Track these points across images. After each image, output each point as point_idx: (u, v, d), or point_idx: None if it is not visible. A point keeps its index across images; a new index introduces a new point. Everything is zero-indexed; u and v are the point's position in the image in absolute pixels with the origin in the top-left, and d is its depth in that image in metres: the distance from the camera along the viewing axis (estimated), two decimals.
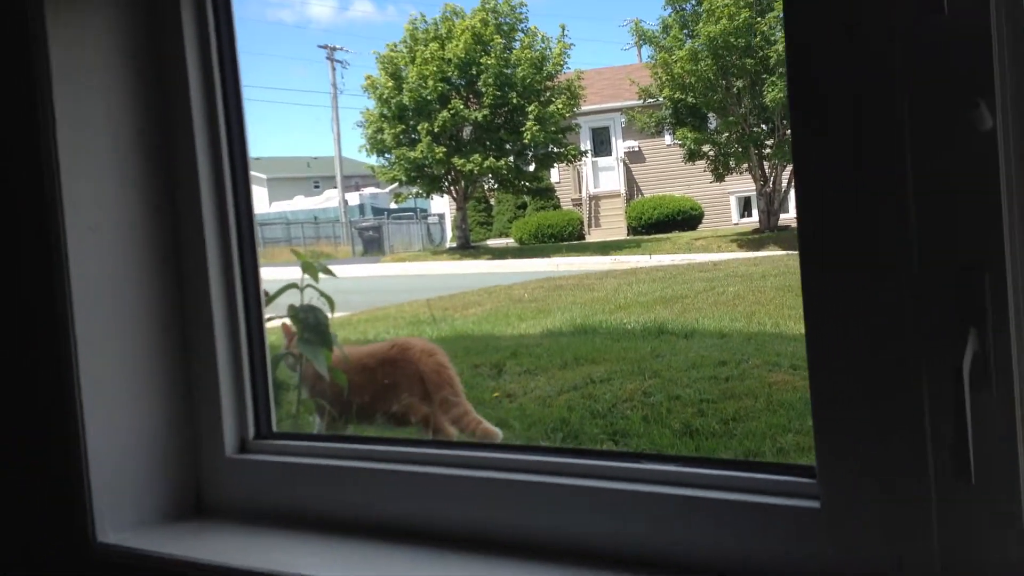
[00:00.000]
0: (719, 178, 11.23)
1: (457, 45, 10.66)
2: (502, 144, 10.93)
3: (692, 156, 11.15)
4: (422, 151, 10.67)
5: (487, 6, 10.94)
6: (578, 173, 12.83)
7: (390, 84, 10.85)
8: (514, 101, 10.75)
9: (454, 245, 12.54)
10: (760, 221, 11.30)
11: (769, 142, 10.66)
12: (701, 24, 10.36)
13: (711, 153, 11.04)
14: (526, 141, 10.83)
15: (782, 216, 10.92)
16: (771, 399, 4.43)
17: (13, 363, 1.71)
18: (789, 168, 10.12)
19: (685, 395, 4.64)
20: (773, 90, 9.82)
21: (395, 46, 11.01)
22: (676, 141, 11.49)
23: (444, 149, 10.69)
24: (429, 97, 10.60)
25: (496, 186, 12.02)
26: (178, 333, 1.69)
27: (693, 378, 4.91)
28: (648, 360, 5.41)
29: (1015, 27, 1.02)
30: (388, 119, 10.90)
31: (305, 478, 1.59)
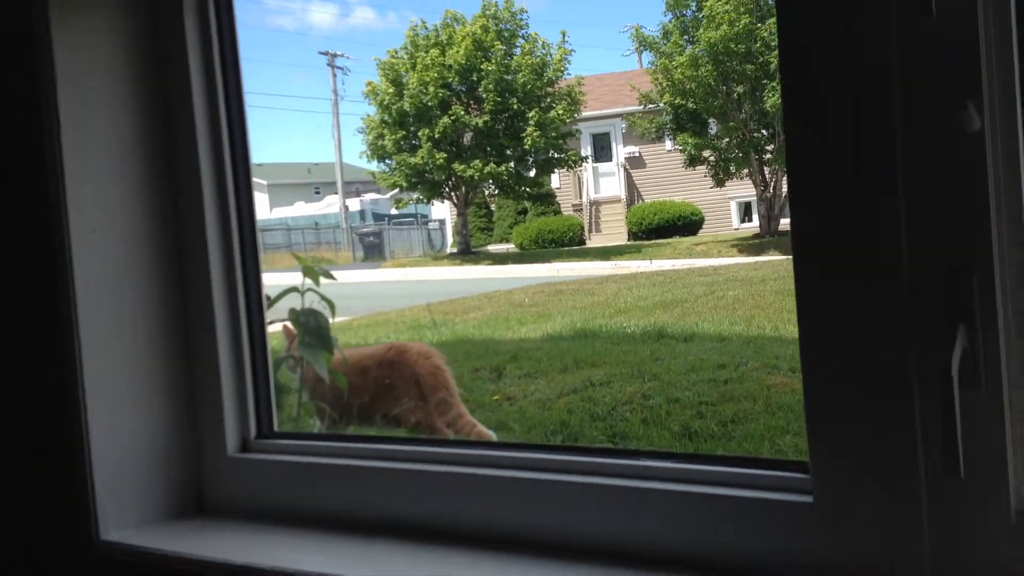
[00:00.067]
0: (719, 183, 11.26)
1: (458, 51, 10.69)
2: (503, 150, 10.96)
3: (692, 161, 11.18)
4: (423, 157, 10.69)
5: (488, 12, 10.98)
6: (579, 178, 12.85)
7: (391, 90, 10.88)
8: (515, 107, 10.78)
9: (455, 250, 12.56)
10: (760, 226, 11.32)
11: (769, 147, 10.69)
12: (701, 30, 10.39)
13: (711, 158, 11.07)
14: (527, 147, 10.85)
15: (782, 221, 10.94)
16: (770, 401, 4.44)
17: (18, 364, 1.72)
18: None
19: (684, 398, 4.65)
20: (773, 95, 9.84)
21: (396, 52, 11.04)
22: (676, 146, 11.51)
23: (445, 155, 10.72)
24: (430, 103, 10.63)
25: (497, 192, 12.05)
26: (180, 334, 1.71)
27: (692, 381, 4.92)
28: (648, 363, 5.42)
29: (1002, 28, 1.03)
30: (389, 125, 10.93)
31: (306, 477, 1.60)
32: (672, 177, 12.31)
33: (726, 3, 10.14)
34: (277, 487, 1.63)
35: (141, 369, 1.66)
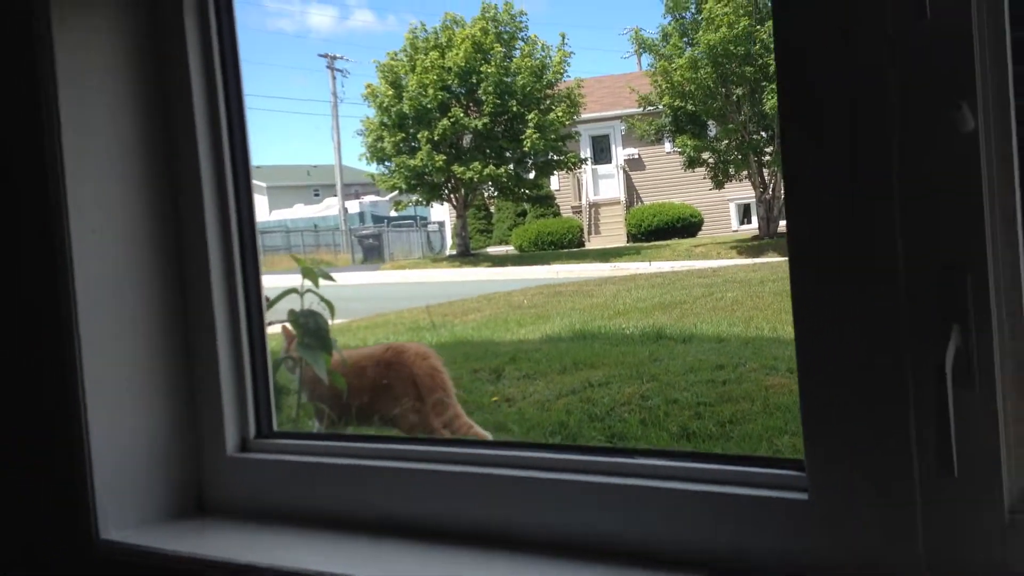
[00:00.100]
0: (719, 185, 11.24)
1: (457, 54, 10.69)
2: (502, 152, 10.95)
3: (692, 163, 11.16)
4: (422, 159, 10.69)
5: (487, 15, 10.98)
6: (578, 181, 12.84)
7: (390, 92, 10.88)
8: (514, 109, 10.77)
9: (454, 253, 12.55)
10: (759, 228, 11.31)
11: (768, 149, 10.68)
12: (701, 32, 10.39)
13: (711, 160, 11.06)
14: (526, 149, 10.85)
15: (781, 223, 10.93)
16: (768, 402, 4.45)
17: (18, 364, 1.73)
18: None
19: (683, 398, 4.66)
20: (772, 98, 9.84)
21: (395, 55, 11.05)
22: (676, 148, 11.50)
23: (444, 157, 10.72)
24: (429, 105, 10.63)
25: (496, 194, 12.04)
26: (180, 335, 1.71)
27: (691, 382, 4.93)
28: (646, 364, 5.43)
29: (996, 29, 1.04)
30: (388, 127, 10.92)
31: (305, 476, 1.61)
32: (671, 179, 12.30)
33: (725, 6, 10.15)
34: (277, 486, 1.63)
35: (141, 369, 1.67)
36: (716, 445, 4.04)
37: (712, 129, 10.97)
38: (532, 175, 11.56)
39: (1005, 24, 1.05)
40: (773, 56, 1.16)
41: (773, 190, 10.97)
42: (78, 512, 1.61)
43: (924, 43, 1.04)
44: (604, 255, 11.54)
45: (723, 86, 10.48)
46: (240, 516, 1.66)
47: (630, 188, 12.92)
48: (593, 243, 12.68)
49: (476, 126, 10.72)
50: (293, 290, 2.76)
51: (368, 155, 11.18)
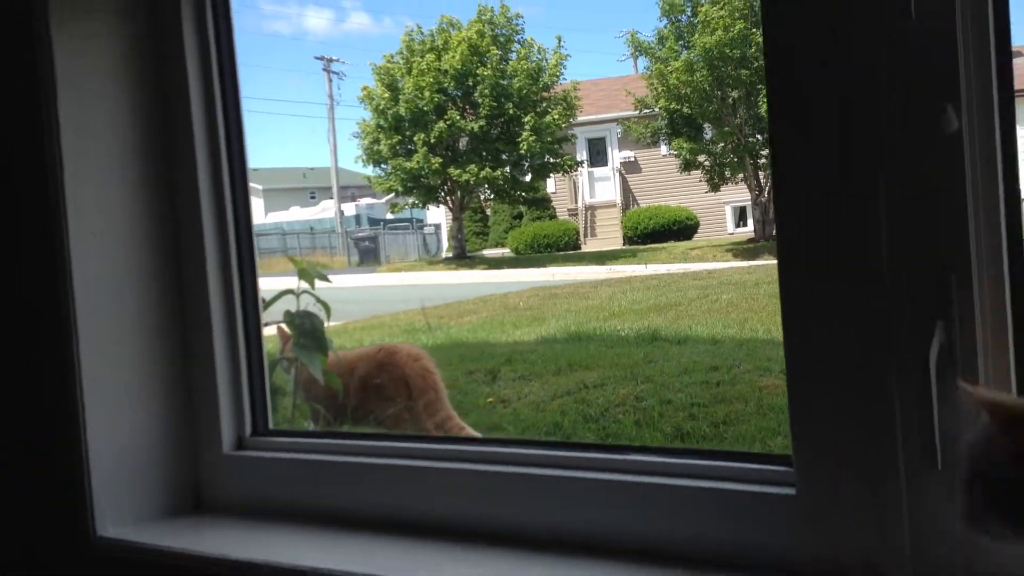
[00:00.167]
0: (715, 188, 11.24)
1: (453, 56, 10.67)
2: (498, 154, 10.94)
3: (688, 166, 11.16)
4: (418, 161, 10.67)
5: (483, 18, 10.96)
6: (574, 183, 12.83)
7: (386, 95, 10.86)
8: (510, 112, 10.76)
9: (450, 255, 12.54)
10: (755, 230, 11.32)
11: (764, 152, 10.68)
12: (696, 35, 10.39)
13: (707, 163, 11.05)
14: (522, 151, 10.83)
15: None
16: (761, 403, 4.47)
17: (17, 363, 1.75)
18: None
19: (677, 399, 4.68)
20: None
21: (391, 57, 11.03)
22: (672, 151, 11.49)
23: (440, 159, 10.70)
24: (425, 108, 10.61)
25: (492, 196, 12.03)
26: (177, 335, 1.73)
27: (685, 383, 4.94)
28: (641, 366, 5.45)
29: (980, 30, 1.06)
30: (384, 130, 10.91)
31: (301, 473, 1.62)
32: (667, 182, 12.30)
33: (721, 9, 10.16)
34: (273, 484, 1.65)
35: (139, 368, 1.69)
36: (710, 446, 4.06)
37: (708, 132, 10.97)
38: (528, 178, 11.55)
39: (989, 25, 1.07)
40: None
41: (769, 193, 10.97)
42: (76, 510, 1.63)
43: (909, 43, 1.05)
44: (600, 257, 11.53)
45: (719, 89, 10.49)
46: (237, 513, 1.67)
47: (626, 191, 12.92)
48: (589, 246, 12.68)
49: (472, 129, 10.71)
50: (289, 291, 2.76)
51: (364, 158, 11.16)
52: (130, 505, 1.66)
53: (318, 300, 2.79)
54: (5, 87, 1.68)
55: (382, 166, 11.11)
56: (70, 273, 1.60)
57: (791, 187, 1.14)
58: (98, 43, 1.64)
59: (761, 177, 10.92)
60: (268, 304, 2.34)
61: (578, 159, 12.31)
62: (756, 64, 9.98)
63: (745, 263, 10.16)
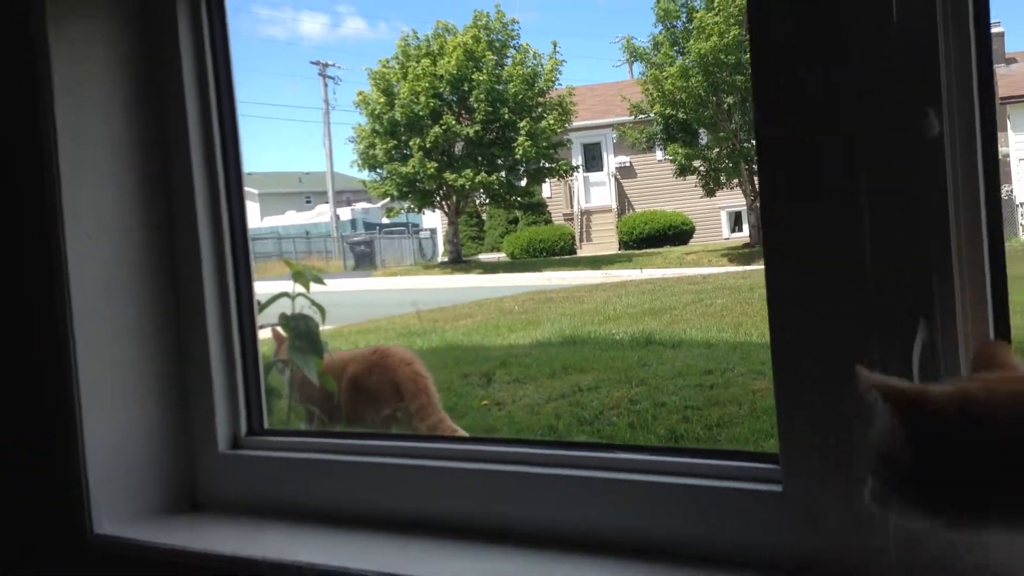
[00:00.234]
0: (710, 193, 11.25)
1: (449, 61, 10.68)
2: (494, 159, 10.94)
3: (683, 171, 11.17)
4: (414, 166, 10.67)
5: (479, 23, 10.97)
6: (569, 188, 12.84)
7: (382, 100, 10.86)
8: (506, 117, 10.76)
9: (446, 259, 12.54)
10: (750, 236, 11.33)
11: None
12: (692, 41, 10.41)
13: (702, 168, 11.06)
14: (518, 156, 10.83)
15: None
16: (755, 406, 4.49)
17: (15, 363, 1.76)
18: None
19: (671, 402, 4.69)
20: None
21: (387, 62, 11.03)
22: (667, 156, 11.50)
23: (436, 164, 10.70)
24: (421, 113, 10.61)
25: (488, 201, 12.03)
26: (173, 334, 1.74)
27: (679, 386, 4.96)
28: (635, 369, 5.47)
29: (960, 34, 1.08)
30: (380, 134, 10.90)
31: (296, 472, 1.64)
32: (663, 187, 12.31)
33: (716, 15, 10.18)
34: (268, 482, 1.66)
35: (135, 368, 1.70)
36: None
37: (703, 137, 10.98)
38: (524, 182, 11.55)
39: (970, 29, 1.09)
40: None
41: None
42: (73, 508, 1.64)
43: (890, 47, 1.08)
44: (595, 262, 11.54)
45: (714, 95, 10.51)
46: (232, 512, 1.68)
47: (621, 196, 12.93)
48: (585, 250, 12.68)
49: (468, 133, 10.71)
50: (284, 294, 2.77)
51: (360, 162, 11.16)
52: (127, 503, 1.67)
53: (313, 303, 2.80)
54: (4, 92, 1.70)
55: (378, 171, 11.11)
56: (67, 275, 1.61)
57: (777, 187, 1.16)
58: (94, 49, 1.66)
59: (756, 182, 10.92)
60: (263, 307, 2.35)
61: (574, 164, 12.32)
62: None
63: (740, 268, 10.18)
